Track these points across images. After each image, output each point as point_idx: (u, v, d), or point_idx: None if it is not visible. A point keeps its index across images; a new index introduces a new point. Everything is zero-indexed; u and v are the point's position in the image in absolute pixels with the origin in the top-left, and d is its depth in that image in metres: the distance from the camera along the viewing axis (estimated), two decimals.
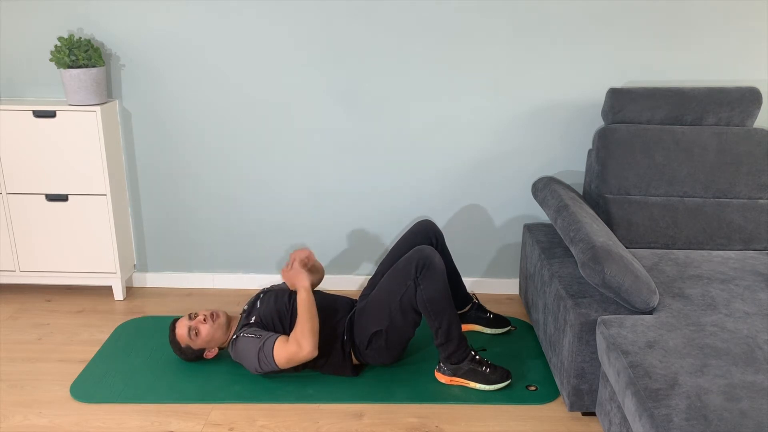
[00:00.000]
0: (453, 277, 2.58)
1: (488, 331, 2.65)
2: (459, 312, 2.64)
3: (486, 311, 2.65)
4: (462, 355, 2.26)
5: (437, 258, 2.22)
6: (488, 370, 2.27)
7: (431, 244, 2.52)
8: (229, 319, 2.40)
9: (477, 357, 2.28)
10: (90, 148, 2.69)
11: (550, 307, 2.27)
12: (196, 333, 2.32)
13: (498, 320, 2.66)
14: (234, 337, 2.32)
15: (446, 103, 2.75)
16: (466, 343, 2.28)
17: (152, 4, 2.66)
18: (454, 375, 2.29)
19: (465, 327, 2.65)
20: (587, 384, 2.05)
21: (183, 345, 2.35)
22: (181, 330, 2.34)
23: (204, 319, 2.32)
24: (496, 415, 2.17)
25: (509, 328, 2.67)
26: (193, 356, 2.38)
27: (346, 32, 2.67)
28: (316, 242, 2.99)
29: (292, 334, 2.23)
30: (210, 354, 2.39)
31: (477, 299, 2.68)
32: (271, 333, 2.26)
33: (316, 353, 2.20)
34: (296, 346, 2.18)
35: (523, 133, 2.79)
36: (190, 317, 2.35)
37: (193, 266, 3.07)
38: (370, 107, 2.78)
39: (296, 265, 2.36)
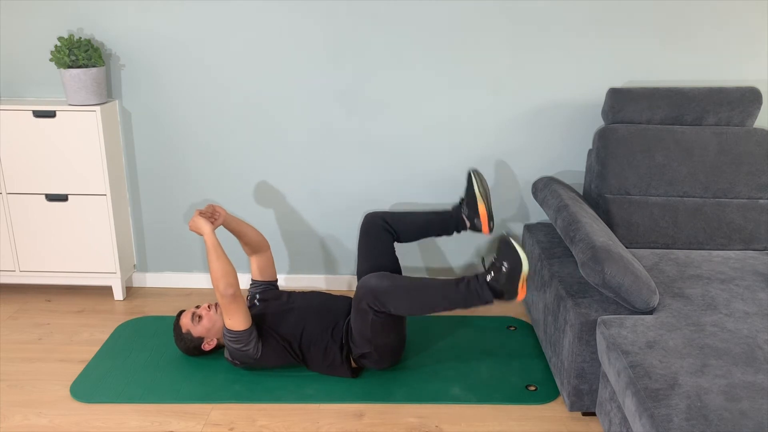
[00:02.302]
0: (423, 225, 2.50)
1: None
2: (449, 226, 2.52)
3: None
4: (481, 289, 2.13)
5: (374, 279, 2.16)
6: (500, 270, 2.11)
7: (385, 228, 2.47)
8: None
9: (488, 278, 2.13)
10: (90, 148, 2.69)
11: (550, 307, 2.27)
12: (198, 318, 2.36)
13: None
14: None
15: (446, 103, 2.75)
16: (470, 286, 2.14)
17: (152, 4, 2.66)
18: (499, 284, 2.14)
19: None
20: (587, 384, 2.05)
21: (184, 330, 2.37)
22: (185, 317, 2.39)
23: (208, 307, 2.38)
24: (496, 415, 2.17)
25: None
26: (191, 345, 2.39)
27: (347, 33, 2.67)
28: (317, 242, 2.99)
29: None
30: (208, 345, 2.39)
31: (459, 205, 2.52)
32: None
33: (231, 290, 2.18)
34: (217, 292, 2.20)
35: (523, 133, 2.79)
36: (197, 307, 2.41)
37: (193, 266, 3.07)
38: (370, 107, 2.78)
39: (195, 213, 2.35)
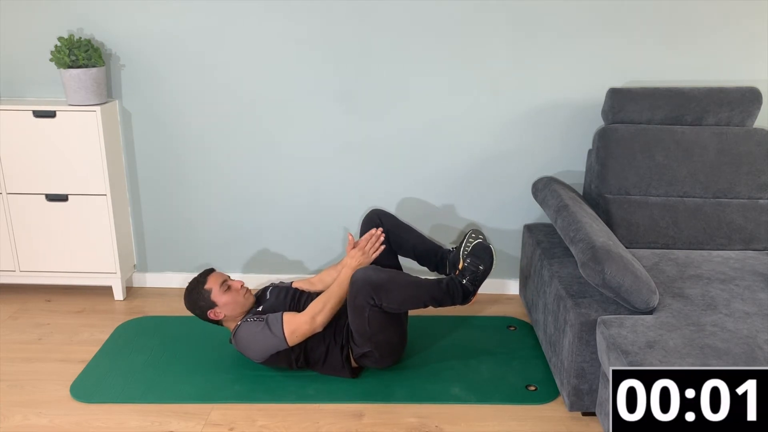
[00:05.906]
0: (412, 241, 2.51)
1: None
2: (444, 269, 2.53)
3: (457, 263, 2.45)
4: (456, 290, 2.25)
5: (372, 272, 2.19)
6: (475, 273, 2.26)
7: (377, 225, 2.48)
8: (251, 306, 2.40)
9: (464, 281, 2.26)
10: (90, 148, 2.69)
11: (550, 307, 2.27)
12: (227, 288, 2.34)
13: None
14: (239, 323, 2.31)
15: (446, 103, 2.75)
16: (449, 287, 2.25)
17: (152, 5, 2.66)
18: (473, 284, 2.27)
19: None
20: (587, 384, 2.05)
21: (206, 286, 2.33)
22: (216, 278, 2.36)
23: (241, 287, 2.37)
24: (496, 415, 2.17)
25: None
26: (201, 304, 2.33)
27: (346, 33, 2.67)
28: (316, 242, 2.99)
29: (310, 306, 2.27)
30: (214, 315, 2.33)
31: (453, 249, 2.48)
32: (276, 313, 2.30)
33: (321, 329, 2.26)
34: (309, 317, 2.23)
35: (523, 133, 2.79)
36: (229, 278, 2.41)
37: (193, 266, 3.07)
38: (370, 107, 2.78)
39: (366, 247, 2.36)
